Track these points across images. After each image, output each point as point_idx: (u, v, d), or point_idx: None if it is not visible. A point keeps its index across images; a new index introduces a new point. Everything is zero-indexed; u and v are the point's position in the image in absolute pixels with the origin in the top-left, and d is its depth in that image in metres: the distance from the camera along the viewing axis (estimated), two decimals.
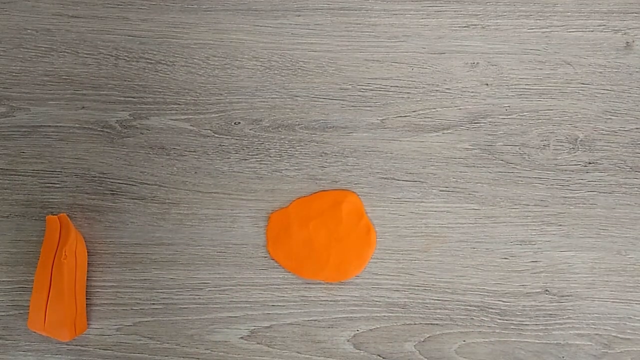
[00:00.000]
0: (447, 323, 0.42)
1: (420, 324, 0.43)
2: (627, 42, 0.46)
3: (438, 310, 0.43)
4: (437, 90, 0.46)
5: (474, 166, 0.44)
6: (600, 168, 0.44)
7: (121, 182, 0.45)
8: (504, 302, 0.42)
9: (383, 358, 0.42)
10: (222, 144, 0.45)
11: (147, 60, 0.47)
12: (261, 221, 0.44)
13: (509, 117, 0.45)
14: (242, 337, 0.43)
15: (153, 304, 0.43)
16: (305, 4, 0.47)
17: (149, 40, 0.47)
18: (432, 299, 0.43)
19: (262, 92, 0.46)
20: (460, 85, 0.46)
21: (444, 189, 0.44)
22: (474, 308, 0.43)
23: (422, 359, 0.42)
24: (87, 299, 0.43)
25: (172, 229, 0.44)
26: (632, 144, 0.44)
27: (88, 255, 0.43)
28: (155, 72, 0.46)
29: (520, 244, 0.43)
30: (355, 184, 0.44)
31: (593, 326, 0.42)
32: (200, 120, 0.45)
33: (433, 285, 0.43)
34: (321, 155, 0.45)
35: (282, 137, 0.45)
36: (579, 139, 0.45)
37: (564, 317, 0.42)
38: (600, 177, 0.44)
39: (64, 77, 0.46)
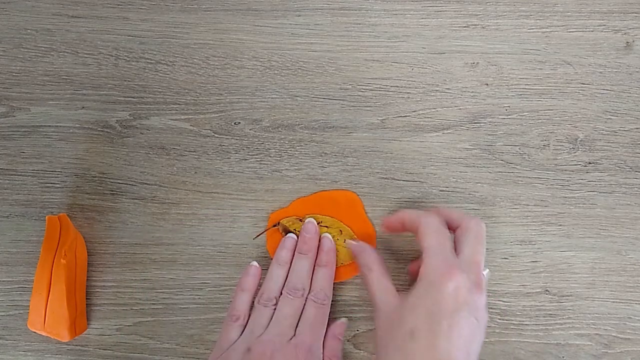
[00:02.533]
0: None
1: None
2: (627, 42, 0.46)
3: None
4: (437, 90, 0.46)
5: (474, 166, 0.44)
6: (600, 168, 0.44)
7: (121, 182, 0.45)
8: (504, 302, 0.42)
9: None
10: (222, 144, 0.45)
11: (147, 60, 0.47)
12: (261, 221, 0.44)
13: (509, 117, 0.45)
14: None
15: (153, 304, 0.43)
16: (305, 4, 0.47)
17: (149, 40, 0.47)
18: None
19: (262, 92, 0.46)
20: (460, 85, 0.46)
21: (444, 189, 0.44)
22: None
23: None
24: (87, 299, 0.43)
25: (172, 229, 0.44)
26: (632, 144, 0.44)
27: (88, 255, 0.43)
28: (155, 72, 0.46)
29: (520, 244, 0.43)
30: (355, 184, 0.44)
31: (593, 326, 0.42)
32: (200, 120, 0.45)
33: None
34: (321, 155, 0.45)
35: (282, 137, 0.45)
36: (579, 139, 0.45)
37: (564, 317, 0.42)
38: (600, 177, 0.44)
39: (64, 77, 0.46)
